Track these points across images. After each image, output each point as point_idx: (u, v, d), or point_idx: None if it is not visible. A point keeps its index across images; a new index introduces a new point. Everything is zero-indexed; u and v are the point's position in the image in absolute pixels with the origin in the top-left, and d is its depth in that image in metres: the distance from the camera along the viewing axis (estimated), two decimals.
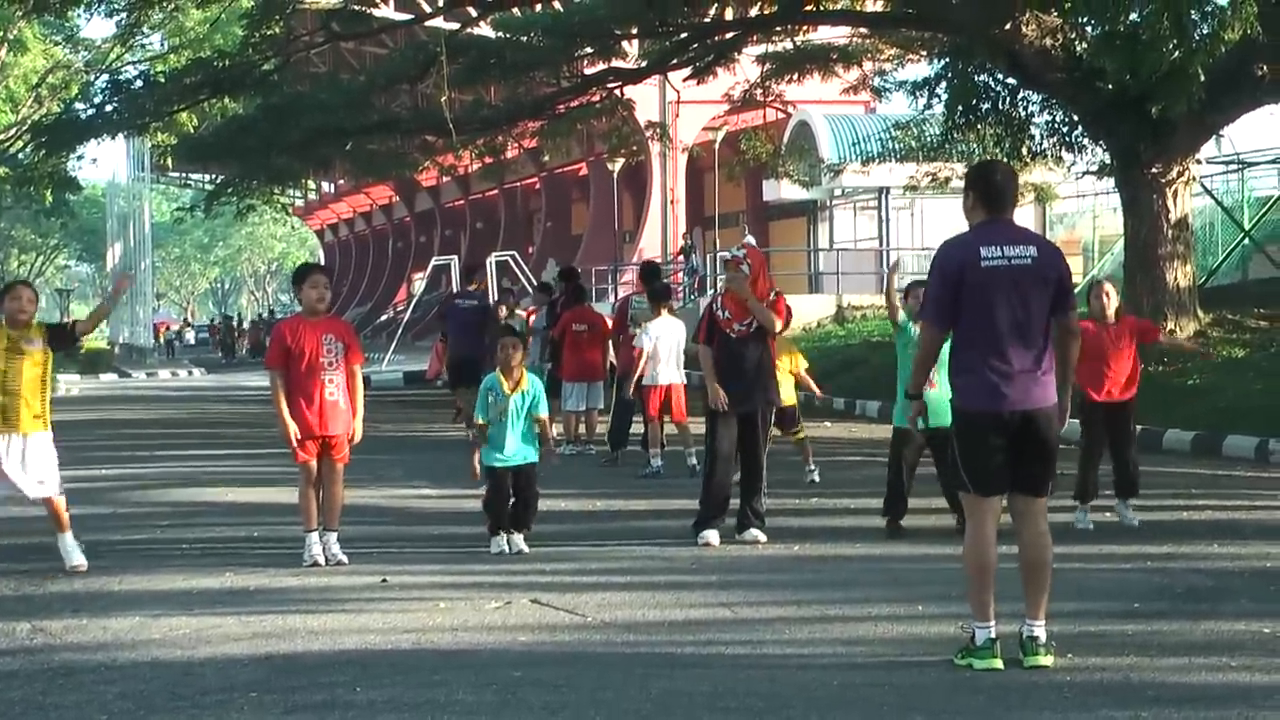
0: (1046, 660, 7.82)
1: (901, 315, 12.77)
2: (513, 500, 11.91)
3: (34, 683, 7.94)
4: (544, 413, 12.16)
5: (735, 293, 12.32)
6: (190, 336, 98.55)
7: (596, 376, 19.47)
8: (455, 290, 24.24)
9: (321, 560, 11.34)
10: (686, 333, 16.76)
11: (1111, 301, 12.85)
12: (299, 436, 11.40)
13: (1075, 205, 41.91)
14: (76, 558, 11.36)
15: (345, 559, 11.40)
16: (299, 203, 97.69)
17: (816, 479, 15.96)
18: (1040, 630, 7.90)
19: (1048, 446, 8.02)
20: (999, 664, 7.80)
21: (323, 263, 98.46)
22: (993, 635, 7.86)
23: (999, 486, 8.03)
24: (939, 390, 11.91)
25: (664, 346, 17.10)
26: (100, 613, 9.74)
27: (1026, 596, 7.99)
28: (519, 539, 11.89)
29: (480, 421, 12.02)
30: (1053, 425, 8.02)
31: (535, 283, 32.49)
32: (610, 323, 20.03)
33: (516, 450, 11.92)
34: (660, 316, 17.24)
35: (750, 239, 46.93)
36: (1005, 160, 26.50)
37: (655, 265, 20.94)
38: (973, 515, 8.11)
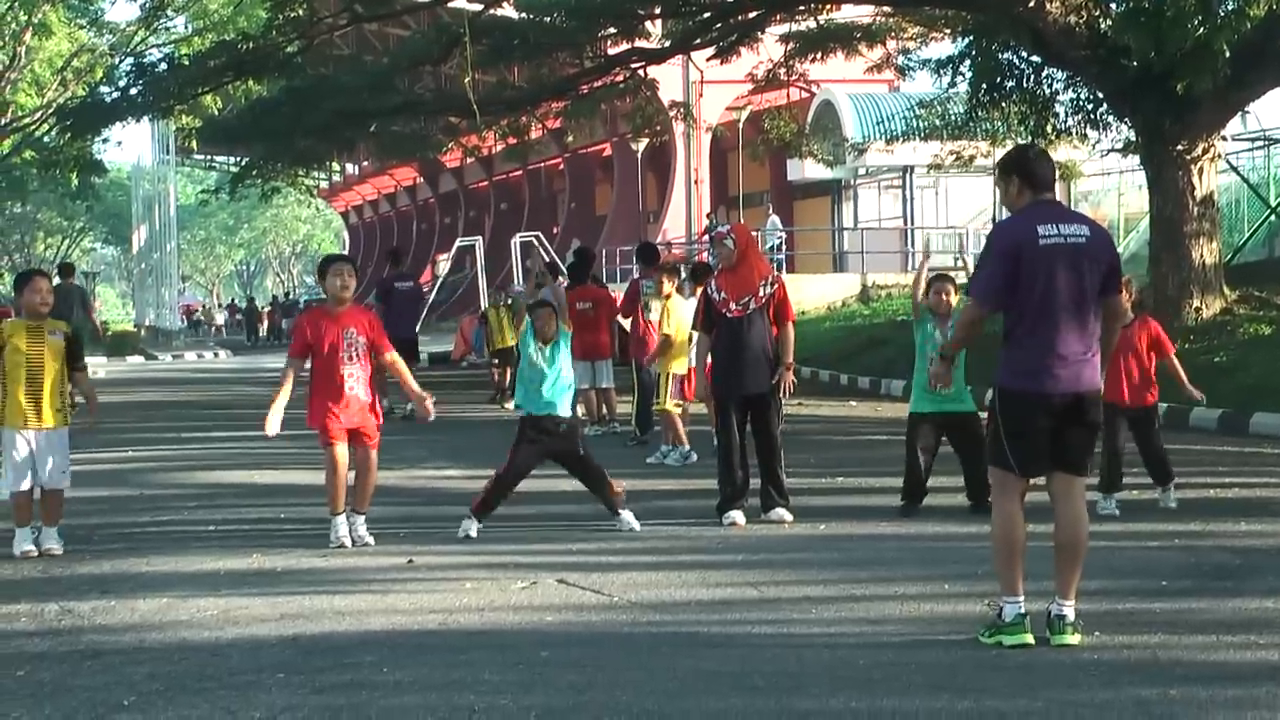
0: (1074, 639, 7.80)
1: (918, 326, 12.74)
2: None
3: (62, 664, 7.97)
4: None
5: (726, 268, 12.39)
6: (220, 319, 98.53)
7: (602, 355, 19.42)
8: (393, 273, 24.73)
9: (348, 542, 11.36)
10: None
11: (1123, 295, 12.59)
12: (331, 423, 11.45)
13: (1100, 183, 41.80)
14: (54, 543, 11.41)
15: (372, 541, 11.43)
16: (323, 184, 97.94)
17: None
18: (1069, 610, 7.88)
19: (1092, 427, 8.04)
20: (1029, 639, 7.79)
21: (346, 247, 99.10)
22: (1022, 610, 7.85)
23: (1041, 468, 8.04)
24: (954, 383, 12.04)
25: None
26: (128, 594, 9.78)
27: (1058, 575, 7.97)
28: (627, 516, 11.95)
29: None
30: (1099, 406, 8.05)
31: (561, 263, 32.55)
32: (619, 303, 20.05)
33: (558, 401, 12.01)
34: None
35: (775, 218, 47.08)
36: (1029, 138, 26.51)
37: (652, 245, 20.99)
38: (1002, 491, 8.10)
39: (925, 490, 12.47)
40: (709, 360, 12.87)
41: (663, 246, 44.57)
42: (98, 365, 42.55)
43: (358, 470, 11.62)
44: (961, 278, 15.03)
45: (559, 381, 12.01)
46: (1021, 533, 8.00)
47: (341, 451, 11.49)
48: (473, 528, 11.77)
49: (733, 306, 12.17)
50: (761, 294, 12.20)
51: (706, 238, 49.32)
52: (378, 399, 11.78)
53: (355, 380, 11.47)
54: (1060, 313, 7.84)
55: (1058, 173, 29.62)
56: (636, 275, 19.57)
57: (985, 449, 8.67)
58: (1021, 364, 7.94)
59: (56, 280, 30.45)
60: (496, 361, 25.45)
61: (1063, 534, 8.03)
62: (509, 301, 25.38)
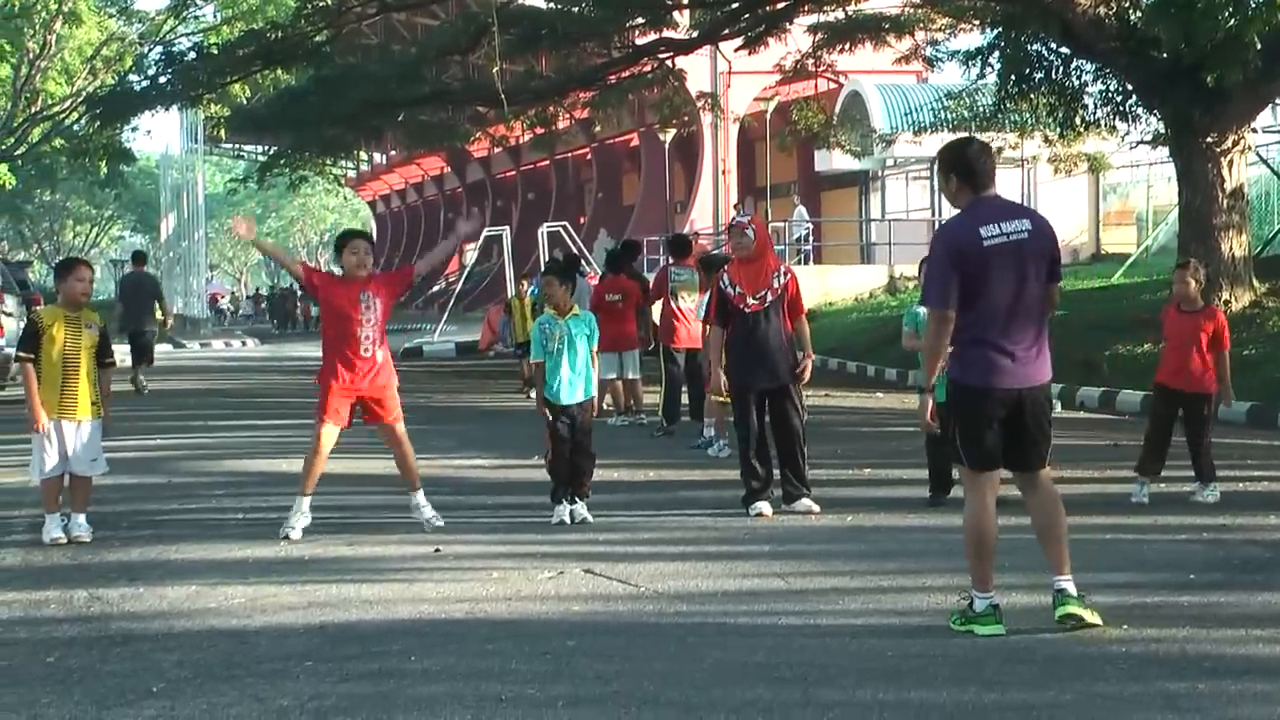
0: (1077, 609, 7.81)
1: (907, 317, 12.89)
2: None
3: (91, 650, 8.00)
4: (594, 345, 12.31)
5: (743, 258, 12.34)
6: (248, 307, 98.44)
7: (627, 346, 19.33)
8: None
9: (297, 529, 11.40)
10: None
11: (1193, 285, 12.59)
12: (337, 388, 11.52)
13: (1129, 175, 41.72)
14: (83, 531, 11.42)
15: (441, 522, 11.53)
16: (351, 173, 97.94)
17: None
18: (1068, 583, 7.90)
19: (1040, 423, 8.05)
20: (1002, 629, 7.86)
21: (374, 236, 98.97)
22: (993, 603, 7.94)
23: (993, 462, 8.07)
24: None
25: None
26: (157, 581, 9.81)
27: (1048, 556, 8.03)
28: (581, 508, 11.92)
29: (536, 360, 12.17)
30: (1044, 403, 8.08)
31: (589, 253, 32.55)
32: (648, 293, 20.00)
33: (573, 383, 12.00)
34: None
35: (802, 209, 47.02)
36: (1058, 129, 26.46)
37: (684, 236, 20.94)
38: (972, 488, 8.14)
39: (952, 480, 12.45)
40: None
41: (689, 237, 44.59)
42: (124, 353, 42.67)
43: (393, 448, 11.72)
44: None
45: (575, 364, 12.00)
46: (992, 529, 8.03)
47: (328, 433, 11.56)
48: (565, 512, 11.85)
49: (750, 301, 12.13)
50: (776, 285, 12.19)
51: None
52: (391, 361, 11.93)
53: (371, 343, 11.55)
54: (1008, 311, 7.87)
55: (1086, 164, 29.40)
56: (669, 263, 19.47)
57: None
58: (973, 361, 7.97)
59: (129, 268, 30.85)
60: (522, 352, 25.43)
61: (1036, 520, 8.14)
62: (531, 290, 25.35)
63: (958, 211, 8.15)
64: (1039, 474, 8.11)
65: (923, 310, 12.43)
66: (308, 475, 11.59)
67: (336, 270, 12.41)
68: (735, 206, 51.90)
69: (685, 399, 18.70)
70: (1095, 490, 12.47)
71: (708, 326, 16.77)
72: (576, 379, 12.02)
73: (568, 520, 11.75)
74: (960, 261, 7.89)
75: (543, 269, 15.37)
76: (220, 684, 7.27)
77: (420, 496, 11.68)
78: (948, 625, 8.01)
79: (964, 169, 8.06)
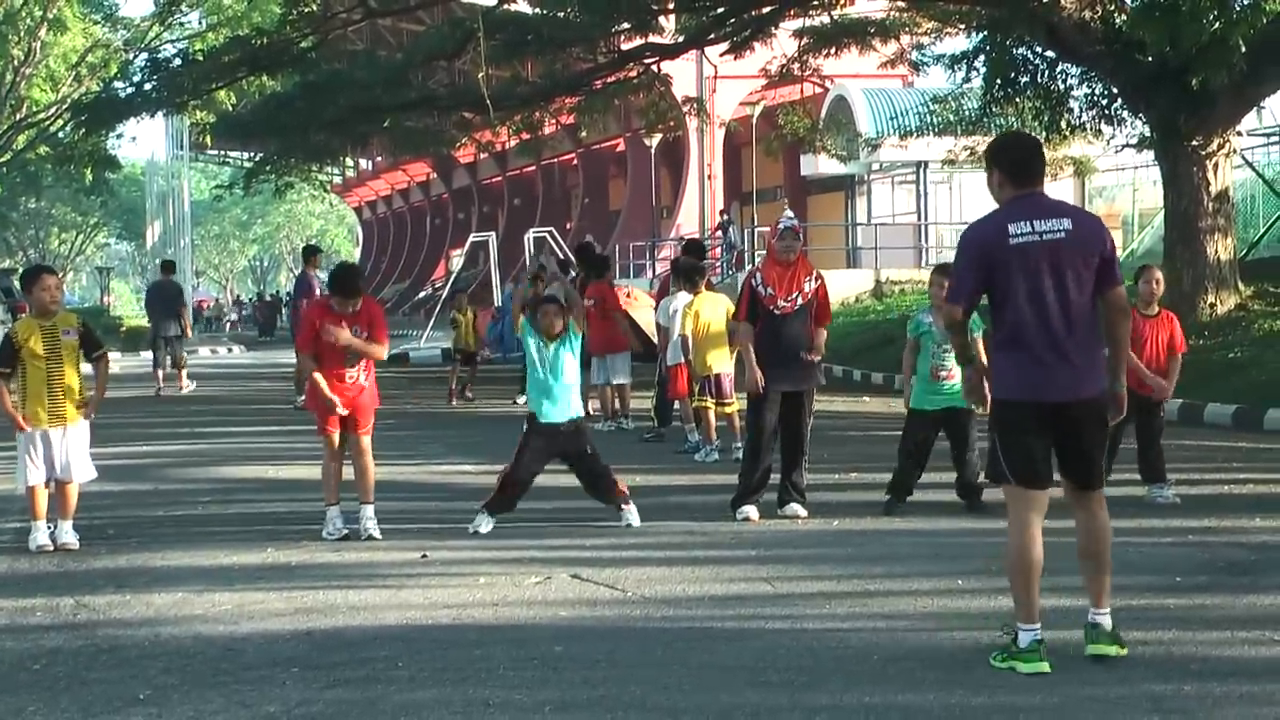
0: (1109, 649, 7.43)
1: (911, 325, 12.88)
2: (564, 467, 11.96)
3: (78, 658, 8.00)
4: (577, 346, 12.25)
5: (780, 261, 12.31)
6: (234, 316, 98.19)
7: (614, 349, 19.32)
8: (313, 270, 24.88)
9: (345, 530, 11.44)
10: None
11: (1159, 290, 12.71)
12: (327, 410, 11.56)
13: (1115, 178, 41.77)
14: (70, 538, 11.40)
15: (379, 535, 11.44)
16: (337, 180, 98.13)
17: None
18: (1105, 618, 7.49)
19: (1095, 438, 7.57)
20: (1046, 667, 7.24)
21: (360, 242, 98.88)
22: (1039, 637, 7.34)
23: (1043, 480, 7.53)
24: (955, 379, 12.02)
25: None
26: (143, 588, 9.80)
27: (1088, 585, 7.63)
28: (630, 513, 11.89)
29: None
30: (1100, 415, 7.56)
31: (573, 258, 32.49)
32: (623, 298, 20.03)
33: (564, 403, 11.97)
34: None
35: (789, 213, 47.07)
36: (1044, 133, 26.47)
37: (698, 242, 20.87)
38: (1015, 509, 7.55)
39: (912, 490, 12.46)
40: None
41: (675, 241, 44.61)
42: (111, 360, 42.63)
43: (354, 460, 11.68)
44: None
45: (563, 385, 11.96)
46: (1037, 555, 7.42)
47: (337, 440, 11.65)
48: (485, 524, 11.74)
49: (781, 303, 12.11)
50: (808, 290, 12.21)
51: (720, 232, 49.43)
52: (375, 384, 11.95)
53: (357, 370, 11.62)
54: (1040, 316, 7.38)
55: (1071, 168, 29.34)
56: (667, 271, 19.47)
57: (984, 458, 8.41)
58: (1010, 372, 7.52)
59: (158, 276, 31.57)
60: (460, 358, 25.26)
61: (1082, 544, 7.63)
62: (520, 297, 25.27)
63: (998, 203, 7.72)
64: (1093, 494, 7.60)
65: (926, 319, 12.51)
66: (326, 484, 11.70)
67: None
68: (722, 212, 52.01)
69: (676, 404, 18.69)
70: None
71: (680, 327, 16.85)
72: (566, 397, 11.98)
73: (482, 530, 11.62)
74: (984, 261, 7.46)
75: (529, 273, 15.29)
76: (207, 691, 7.27)
77: (370, 511, 11.64)
78: (989, 662, 7.45)
79: (1006, 163, 7.62)
